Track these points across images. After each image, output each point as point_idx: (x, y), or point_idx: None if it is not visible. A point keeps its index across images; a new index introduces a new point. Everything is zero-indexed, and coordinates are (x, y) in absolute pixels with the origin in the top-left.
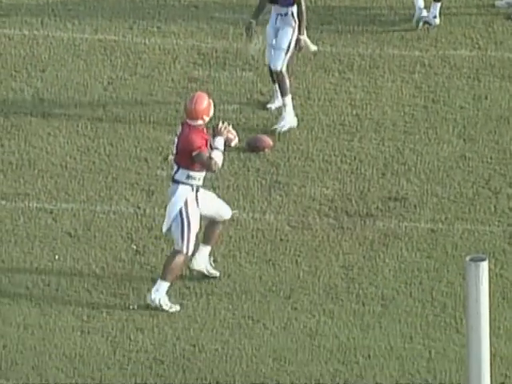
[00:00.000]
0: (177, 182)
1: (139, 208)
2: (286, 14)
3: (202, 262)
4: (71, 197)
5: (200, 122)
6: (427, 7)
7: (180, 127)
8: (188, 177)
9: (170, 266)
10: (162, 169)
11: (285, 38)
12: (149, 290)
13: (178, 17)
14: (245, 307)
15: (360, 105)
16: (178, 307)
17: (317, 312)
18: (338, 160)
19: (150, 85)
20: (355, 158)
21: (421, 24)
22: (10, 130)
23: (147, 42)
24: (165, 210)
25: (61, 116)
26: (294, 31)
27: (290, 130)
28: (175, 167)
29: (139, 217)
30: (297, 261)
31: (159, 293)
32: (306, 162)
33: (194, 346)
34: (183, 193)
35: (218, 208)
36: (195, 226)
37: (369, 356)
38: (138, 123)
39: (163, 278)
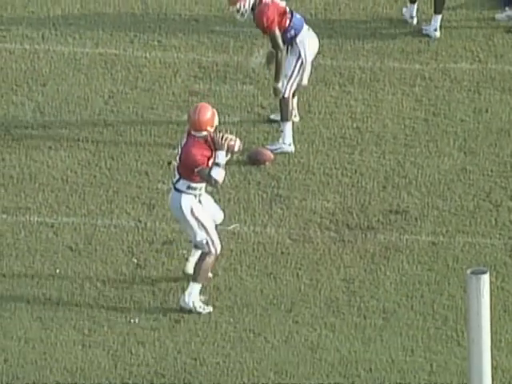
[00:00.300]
0: (178, 191)
1: (140, 222)
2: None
3: None
4: (72, 210)
5: (204, 133)
6: (428, 20)
7: (185, 136)
8: (189, 187)
9: (201, 268)
10: (163, 182)
11: (287, 65)
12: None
13: (179, 30)
14: (246, 320)
15: (360, 118)
16: (210, 308)
17: (318, 325)
18: (339, 173)
19: (151, 98)
20: (356, 171)
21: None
22: (10, 144)
23: (148, 55)
24: (166, 224)
25: (61, 130)
26: (298, 59)
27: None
28: (177, 175)
29: (140, 230)
30: (298, 274)
31: (192, 296)
32: (307, 175)
33: (195, 359)
34: (188, 203)
35: (213, 212)
36: (211, 225)
37: (370, 369)
38: (139, 137)
39: (195, 280)
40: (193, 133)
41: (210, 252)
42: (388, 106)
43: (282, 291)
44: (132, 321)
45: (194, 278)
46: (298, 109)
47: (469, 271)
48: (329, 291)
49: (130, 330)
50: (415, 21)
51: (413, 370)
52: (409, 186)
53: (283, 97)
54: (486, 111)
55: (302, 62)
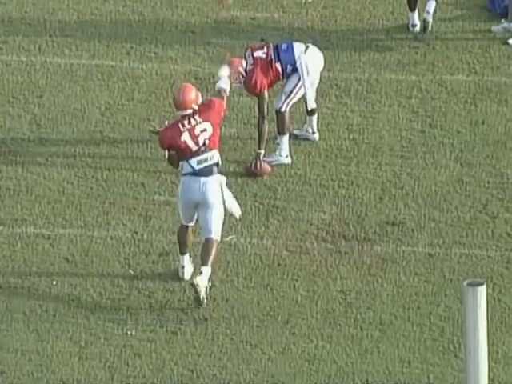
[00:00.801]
0: (216, 174)
1: (136, 233)
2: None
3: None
4: (68, 222)
5: (189, 111)
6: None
7: (180, 124)
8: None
9: (212, 253)
10: (160, 194)
11: (290, 83)
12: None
13: (175, 42)
14: (243, 332)
15: (357, 129)
16: (205, 303)
17: (315, 337)
18: (336, 185)
19: (148, 110)
20: (352, 183)
21: (428, 27)
22: (7, 156)
23: (144, 67)
24: (162, 235)
25: (58, 141)
26: (300, 79)
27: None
28: (215, 156)
29: (136, 242)
30: (294, 285)
31: (205, 276)
32: (304, 186)
33: (192, 371)
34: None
35: None
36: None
37: (367, 381)
38: (136, 148)
39: (206, 263)
40: (178, 113)
41: (214, 237)
42: (384, 117)
43: (278, 303)
44: (129, 332)
45: (206, 261)
46: (317, 126)
47: (465, 283)
48: (325, 303)
49: (126, 341)
50: (417, 29)
51: (410, 381)
52: (405, 198)
53: (280, 111)
54: (483, 123)
55: (302, 82)
